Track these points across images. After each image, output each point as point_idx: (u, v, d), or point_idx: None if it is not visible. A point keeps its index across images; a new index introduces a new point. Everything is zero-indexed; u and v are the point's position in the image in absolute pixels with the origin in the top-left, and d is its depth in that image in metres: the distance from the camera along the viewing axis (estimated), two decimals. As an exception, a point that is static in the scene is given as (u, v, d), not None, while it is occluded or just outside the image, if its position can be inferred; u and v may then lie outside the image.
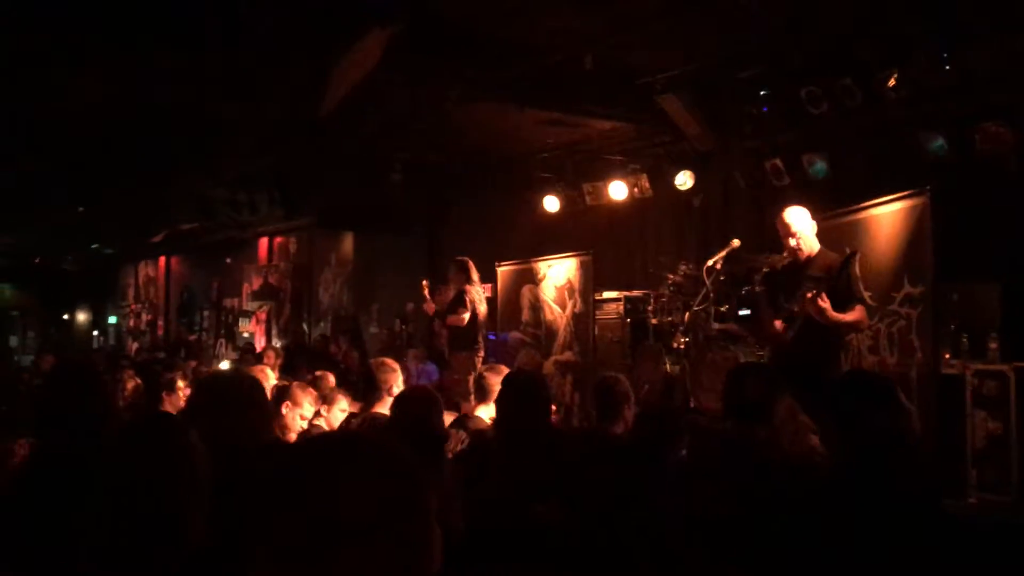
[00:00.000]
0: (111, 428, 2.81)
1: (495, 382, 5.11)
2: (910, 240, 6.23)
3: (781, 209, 6.03)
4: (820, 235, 5.98)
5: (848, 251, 5.67)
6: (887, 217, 6.51)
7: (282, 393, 5.22)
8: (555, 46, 7.29)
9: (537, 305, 9.90)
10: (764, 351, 6.95)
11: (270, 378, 5.95)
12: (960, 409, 6.05)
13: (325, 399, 5.52)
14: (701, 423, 4.31)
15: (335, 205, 13.10)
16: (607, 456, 3.60)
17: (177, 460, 2.27)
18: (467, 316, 8.46)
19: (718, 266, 7.63)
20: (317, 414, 5.33)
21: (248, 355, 12.85)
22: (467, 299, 8.51)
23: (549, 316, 9.73)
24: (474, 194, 12.03)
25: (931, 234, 5.95)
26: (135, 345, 20.22)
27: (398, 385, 5.08)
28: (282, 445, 3.98)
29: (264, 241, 16.52)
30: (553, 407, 4.80)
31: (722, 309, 8.06)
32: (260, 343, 15.52)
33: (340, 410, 5.50)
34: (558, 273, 9.66)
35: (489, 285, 10.47)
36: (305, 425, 5.12)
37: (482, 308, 8.68)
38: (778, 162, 8.53)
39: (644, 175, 9.87)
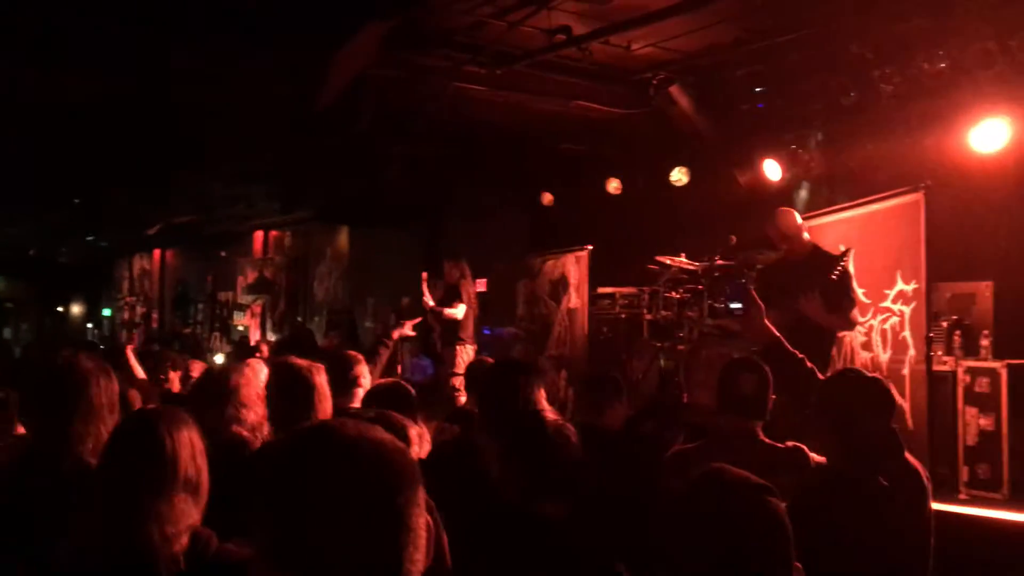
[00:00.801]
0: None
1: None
2: (904, 238, 6.26)
3: (773, 212, 6.08)
4: (815, 232, 6.01)
5: (842, 249, 5.71)
6: (881, 214, 6.53)
7: None
8: (554, 40, 7.29)
9: (532, 300, 9.93)
10: (757, 347, 6.98)
11: (263, 371, 5.94)
12: (952, 406, 6.09)
13: None
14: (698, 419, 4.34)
15: (331, 199, 13.09)
16: (603, 450, 3.62)
17: (161, 455, 2.28)
18: (462, 309, 8.49)
19: (716, 261, 7.66)
20: None
21: (242, 348, 12.85)
22: (462, 293, 8.54)
23: (544, 311, 9.75)
24: (471, 188, 12.04)
25: (925, 232, 5.99)
26: (135, 335, 20.18)
27: (366, 379, 5.03)
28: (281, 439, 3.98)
29: (259, 234, 16.51)
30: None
31: (717, 305, 8.08)
32: (255, 336, 15.52)
33: None
34: (554, 268, 9.68)
35: (484, 280, 10.49)
36: None
37: (474, 304, 8.71)
38: (775, 159, 8.55)
39: (640, 171, 9.89)
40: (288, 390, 3.60)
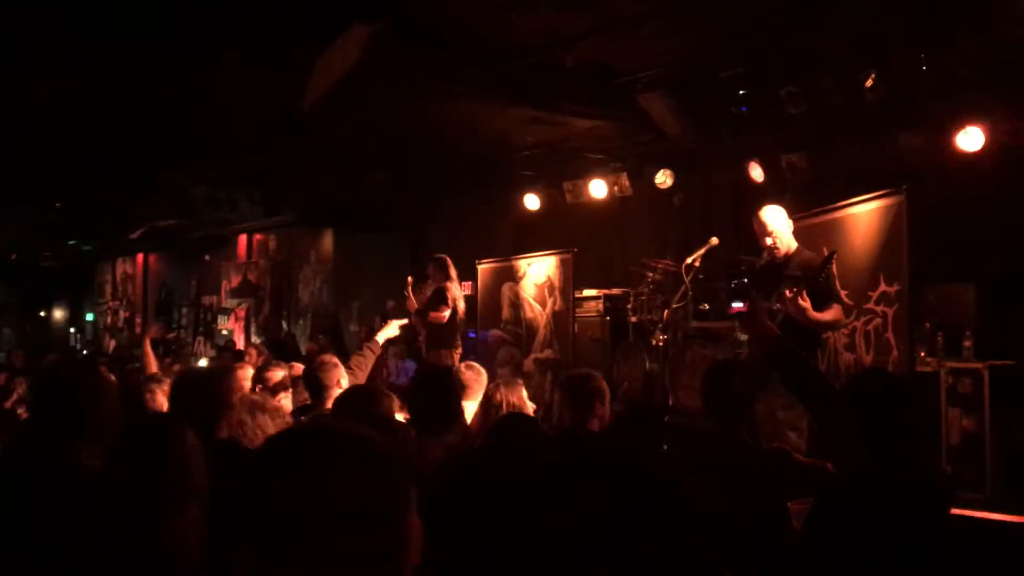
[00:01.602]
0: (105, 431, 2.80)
1: (472, 379, 5.13)
2: (887, 239, 6.30)
3: (758, 208, 6.09)
4: (798, 234, 6.03)
5: (827, 251, 5.73)
6: (864, 216, 6.57)
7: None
8: (536, 45, 7.30)
9: (517, 303, 9.93)
10: (743, 349, 7.01)
11: (249, 376, 5.92)
12: (935, 407, 6.13)
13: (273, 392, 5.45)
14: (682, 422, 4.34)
15: (315, 202, 13.06)
16: (585, 453, 3.61)
17: (174, 463, 2.25)
18: (448, 313, 8.47)
19: (697, 264, 7.68)
20: None
21: (227, 352, 12.80)
22: (448, 296, 8.52)
23: (529, 314, 9.75)
24: (455, 192, 12.04)
25: (908, 233, 6.02)
26: (112, 342, 20.09)
27: (343, 381, 5.03)
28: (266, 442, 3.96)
29: (243, 238, 16.46)
30: (533, 406, 4.81)
31: (702, 307, 8.11)
32: (240, 340, 15.46)
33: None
34: (538, 271, 9.69)
35: (469, 283, 10.49)
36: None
37: (460, 306, 8.69)
38: (757, 161, 8.59)
39: (624, 173, 9.91)
40: (432, 390, 3.91)
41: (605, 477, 3.34)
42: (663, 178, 9.45)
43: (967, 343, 6.30)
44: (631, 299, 8.93)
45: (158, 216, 15.12)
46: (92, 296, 22.36)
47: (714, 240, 7.68)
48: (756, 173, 8.62)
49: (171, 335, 17.69)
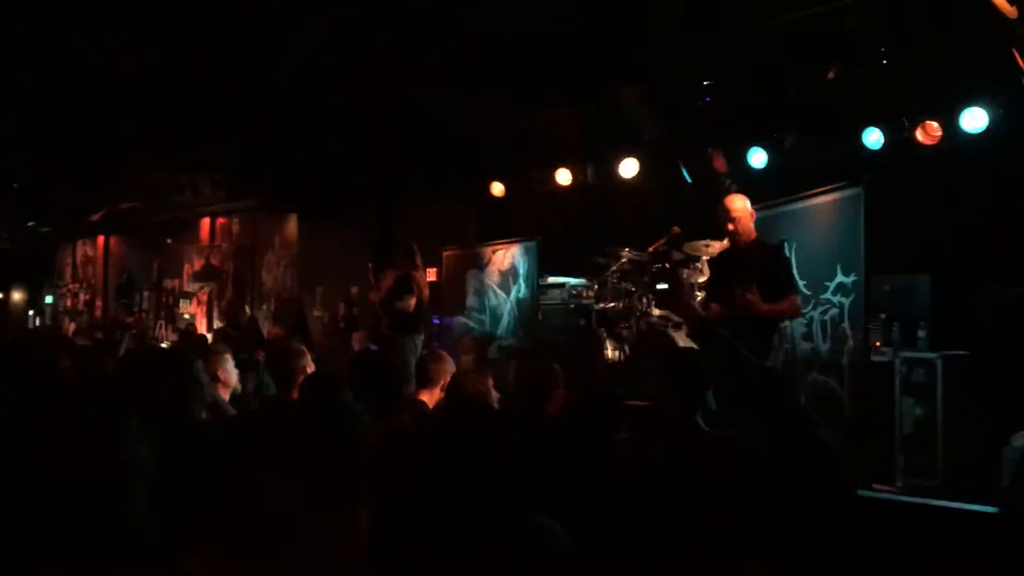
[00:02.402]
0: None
1: (435, 368, 5.13)
2: (844, 230, 6.40)
3: (723, 197, 6.16)
4: (758, 224, 6.10)
5: (775, 241, 5.82)
6: (822, 207, 6.66)
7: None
8: (505, 34, 7.30)
9: (481, 290, 9.94)
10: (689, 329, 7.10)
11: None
12: (889, 395, 6.23)
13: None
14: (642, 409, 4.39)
15: (279, 187, 12.95)
16: (545, 438, 3.65)
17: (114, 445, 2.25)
18: (414, 301, 8.45)
19: (660, 252, 7.75)
20: None
21: (189, 337, 12.70)
22: (413, 284, 8.50)
23: (493, 301, 9.77)
24: (421, 178, 12.00)
25: (864, 225, 6.11)
26: (72, 325, 19.82)
27: (308, 368, 5.01)
28: (213, 425, 3.94)
29: (206, 221, 16.30)
30: (498, 395, 4.83)
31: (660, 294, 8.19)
32: (201, 325, 15.35)
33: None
34: (503, 258, 9.71)
35: (434, 269, 10.48)
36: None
37: (425, 293, 8.68)
38: (721, 152, 8.67)
39: (590, 162, 9.94)
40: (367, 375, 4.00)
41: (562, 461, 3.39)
42: (629, 167, 9.50)
43: (921, 333, 6.41)
44: (595, 287, 8.99)
45: (120, 198, 14.95)
46: (51, 278, 22.05)
47: (676, 229, 7.75)
48: (719, 163, 8.70)
49: (131, 319, 17.51)
